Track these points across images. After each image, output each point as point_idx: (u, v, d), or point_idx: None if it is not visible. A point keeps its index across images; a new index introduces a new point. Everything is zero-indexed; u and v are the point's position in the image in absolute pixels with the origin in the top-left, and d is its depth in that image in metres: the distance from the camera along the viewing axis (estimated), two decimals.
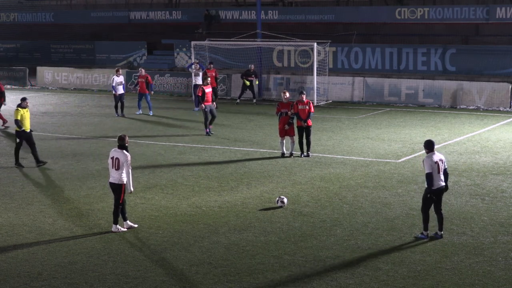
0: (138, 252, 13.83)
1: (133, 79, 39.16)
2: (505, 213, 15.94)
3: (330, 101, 35.17)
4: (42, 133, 27.16)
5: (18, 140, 21.45)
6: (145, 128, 28.27)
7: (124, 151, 14.97)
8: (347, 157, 22.06)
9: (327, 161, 21.54)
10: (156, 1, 54.69)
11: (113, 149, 15.20)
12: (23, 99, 21.74)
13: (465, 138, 25.08)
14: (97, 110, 33.57)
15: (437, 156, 14.24)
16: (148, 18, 49.92)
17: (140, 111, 31.94)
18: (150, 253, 13.73)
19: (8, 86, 42.71)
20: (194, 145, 24.36)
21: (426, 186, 14.12)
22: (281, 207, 16.56)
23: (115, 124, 29.29)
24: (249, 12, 45.25)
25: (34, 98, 38.11)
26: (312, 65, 35.60)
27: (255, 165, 21.11)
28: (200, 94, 26.01)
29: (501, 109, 31.94)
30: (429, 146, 14.35)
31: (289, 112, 21.99)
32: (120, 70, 32.85)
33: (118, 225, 15.08)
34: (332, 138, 25.44)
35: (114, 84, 31.33)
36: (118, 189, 14.98)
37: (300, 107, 21.97)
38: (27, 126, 21.48)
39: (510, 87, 32.27)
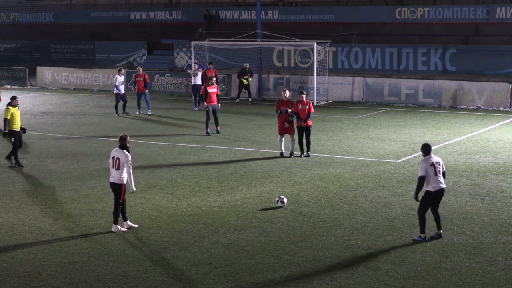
0: (138, 252, 13.83)
1: (132, 79, 39.17)
2: (505, 213, 15.94)
3: (330, 101, 35.17)
4: (42, 133, 27.17)
5: (13, 140, 21.41)
6: (145, 128, 28.27)
7: (125, 151, 14.97)
8: (347, 157, 22.06)
9: (327, 161, 21.54)
10: (156, 1, 54.72)
11: (114, 149, 15.22)
12: (13, 98, 21.67)
13: (465, 138, 25.09)
14: (97, 110, 33.57)
15: (433, 159, 14.23)
16: (148, 18, 49.94)
17: (140, 111, 31.95)
18: (150, 253, 13.74)
19: (8, 86, 42.77)
20: (194, 145, 24.36)
21: (426, 188, 14.11)
22: (281, 207, 16.56)
23: (115, 124, 29.29)
24: (249, 12, 45.27)
25: (34, 98, 38.15)
26: (312, 65, 35.60)
27: (255, 165, 21.11)
28: (202, 93, 26.39)
29: (501, 109, 31.94)
30: (426, 149, 14.36)
31: (289, 110, 21.95)
32: (123, 70, 32.85)
33: (118, 225, 15.08)
34: (332, 138, 25.45)
35: (117, 84, 31.31)
36: (118, 189, 14.99)
37: (300, 107, 21.95)
38: (17, 125, 21.43)
39: (510, 87, 32.26)
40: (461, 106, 32.71)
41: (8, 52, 52.72)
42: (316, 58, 35.09)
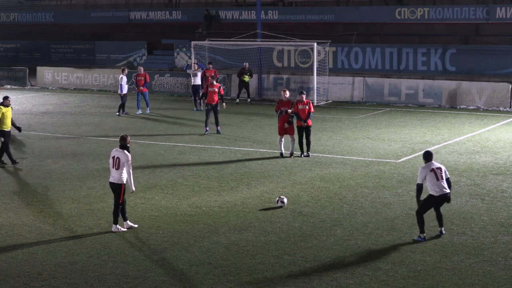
0: (138, 252, 13.82)
1: (133, 79, 39.15)
2: (505, 213, 15.94)
3: (330, 101, 35.17)
4: (42, 133, 27.17)
5: (2, 139, 21.41)
6: (145, 128, 28.27)
7: (125, 151, 14.98)
8: (347, 157, 22.06)
9: (327, 161, 21.54)
10: (156, 1, 54.73)
11: (114, 149, 15.23)
12: (5, 98, 21.64)
13: (465, 138, 25.09)
14: (97, 110, 33.56)
15: (434, 164, 14.23)
16: (148, 18, 49.96)
17: (140, 111, 31.94)
18: (150, 253, 13.73)
19: (8, 86, 42.78)
20: (194, 145, 24.36)
21: (429, 192, 14.11)
22: (281, 207, 16.56)
23: (115, 124, 29.28)
24: (249, 12, 45.29)
25: (34, 98, 38.15)
26: (312, 65, 35.60)
27: (255, 165, 21.11)
28: (204, 92, 26.67)
29: (501, 109, 31.94)
30: (427, 157, 14.39)
31: (289, 110, 21.95)
32: (126, 70, 32.78)
33: (118, 225, 15.08)
34: (332, 138, 25.45)
35: (122, 83, 31.16)
36: (118, 189, 14.99)
37: (300, 107, 21.94)
38: (8, 125, 21.42)
39: (510, 87, 32.27)
40: (461, 106, 32.71)
41: (8, 52, 52.74)
42: (316, 58, 35.09)
